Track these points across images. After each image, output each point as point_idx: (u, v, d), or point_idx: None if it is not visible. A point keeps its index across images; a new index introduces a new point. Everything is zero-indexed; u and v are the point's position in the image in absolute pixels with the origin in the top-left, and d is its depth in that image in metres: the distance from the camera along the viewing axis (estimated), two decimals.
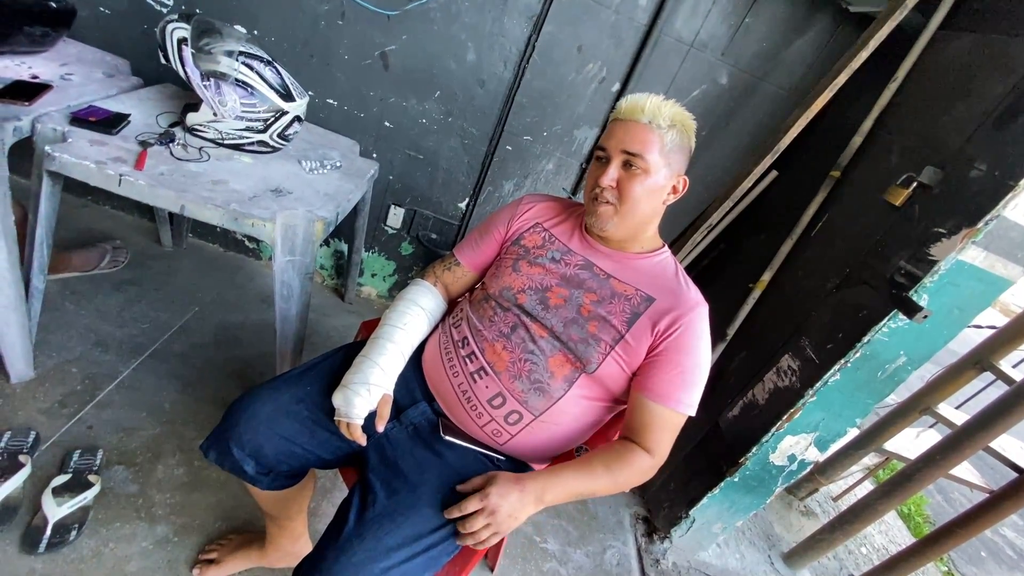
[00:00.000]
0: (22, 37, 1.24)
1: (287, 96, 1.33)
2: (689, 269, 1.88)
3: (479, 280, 1.14)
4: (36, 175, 1.14)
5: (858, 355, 1.22)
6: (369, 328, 1.20)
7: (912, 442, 2.08)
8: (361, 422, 0.89)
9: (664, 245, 1.03)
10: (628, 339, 0.90)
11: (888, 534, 2.41)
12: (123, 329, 1.56)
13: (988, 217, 1.03)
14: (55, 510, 1.09)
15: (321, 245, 2.03)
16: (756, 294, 1.53)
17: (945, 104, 1.20)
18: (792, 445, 1.40)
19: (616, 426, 1.08)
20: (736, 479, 1.47)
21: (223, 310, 1.79)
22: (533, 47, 1.56)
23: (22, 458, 1.15)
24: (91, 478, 1.18)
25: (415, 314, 1.03)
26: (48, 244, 1.24)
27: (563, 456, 1.06)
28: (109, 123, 1.20)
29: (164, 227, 1.88)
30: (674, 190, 0.96)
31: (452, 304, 1.14)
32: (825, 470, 2.07)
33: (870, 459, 2.26)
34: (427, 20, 1.55)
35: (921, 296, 1.13)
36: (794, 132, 1.39)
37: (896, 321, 1.17)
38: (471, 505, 0.80)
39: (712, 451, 1.57)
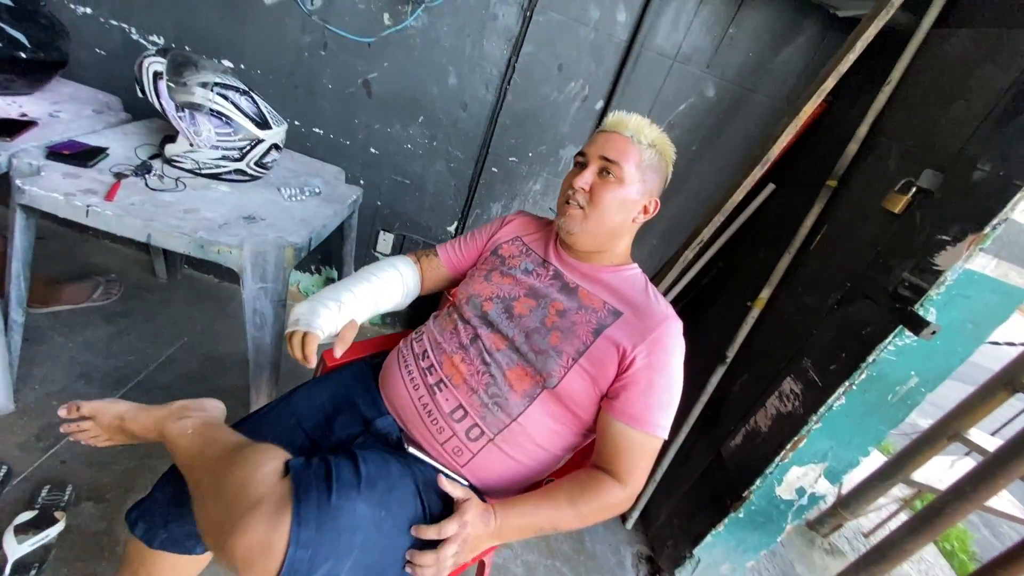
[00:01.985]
0: (8, 85, 1.28)
1: (263, 124, 1.34)
2: (688, 289, 1.80)
3: (450, 284, 1.14)
4: (12, 209, 1.15)
5: (864, 376, 1.12)
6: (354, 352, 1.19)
7: (946, 472, 1.90)
8: (321, 335, 0.84)
9: (634, 263, 1.01)
10: (592, 351, 0.85)
11: (929, 573, 2.20)
12: (109, 361, 1.56)
13: (995, 221, 0.94)
14: (15, 548, 1.05)
15: (312, 273, 2.03)
16: (755, 313, 1.44)
17: (943, 104, 1.13)
18: (800, 477, 1.29)
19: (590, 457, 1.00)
20: (741, 515, 1.35)
21: (212, 340, 1.78)
22: (513, 68, 1.55)
23: None
24: (57, 515, 1.14)
25: (392, 273, 1.05)
26: (25, 277, 1.25)
27: (529, 490, 0.99)
28: (85, 156, 1.22)
29: (158, 259, 1.90)
30: (645, 210, 0.96)
31: (417, 318, 1.12)
32: (849, 504, 1.91)
33: (901, 490, 2.08)
34: (407, 46, 1.55)
35: (928, 310, 1.03)
36: (783, 141, 1.32)
37: (903, 338, 1.07)
38: (450, 528, 0.73)
39: (715, 484, 1.46)
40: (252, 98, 1.32)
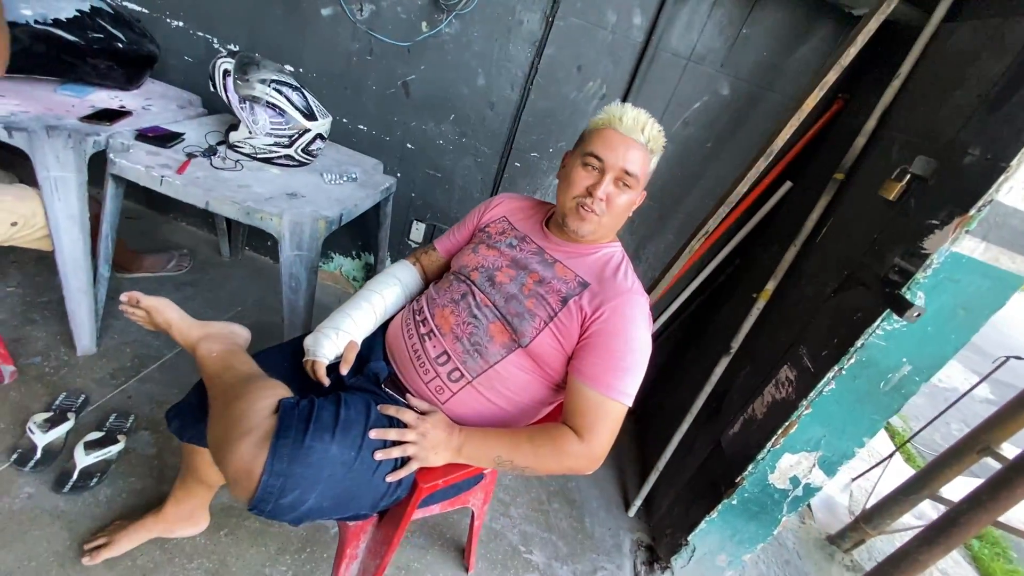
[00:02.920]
0: (104, 72, 1.55)
1: (310, 116, 1.53)
2: (704, 286, 1.82)
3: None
4: (105, 179, 1.40)
5: (852, 361, 1.12)
6: None
7: None
8: (327, 361, 0.99)
9: (617, 241, 1.08)
10: (561, 317, 0.94)
11: None
12: None
13: (980, 203, 0.94)
14: (83, 459, 1.26)
15: (353, 258, 2.22)
16: (760, 304, 1.46)
17: (943, 95, 1.13)
18: (793, 465, 1.28)
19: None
20: (734, 502, 1.36)
21: (263, 311, 2.00)
22: (536, 69, 1.67)
23: (69, 415, 1.36)
24: (119, 437, 1.35)
25: (392, 284, 1.16)
26: (112, 238, 1.50)
27: None
28: (165, 139, 1.45)
29: (223, 239, 2.16)
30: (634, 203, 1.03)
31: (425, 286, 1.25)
32: (872, 519, 1.82)
33: (937, 510, 1.94)
34: (441, 50, 1.72)
35: (915, 294, 1.03)
36: (786, 134, 1.35)
37: (891, 323, 1.07)
38: (409, 417, 0.88)
39: (713, 472, 1.47)
40: (302, 93, 1.52)
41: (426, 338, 1.01)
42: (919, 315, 1.01)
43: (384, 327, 1.15)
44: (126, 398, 1.50)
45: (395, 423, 0.88)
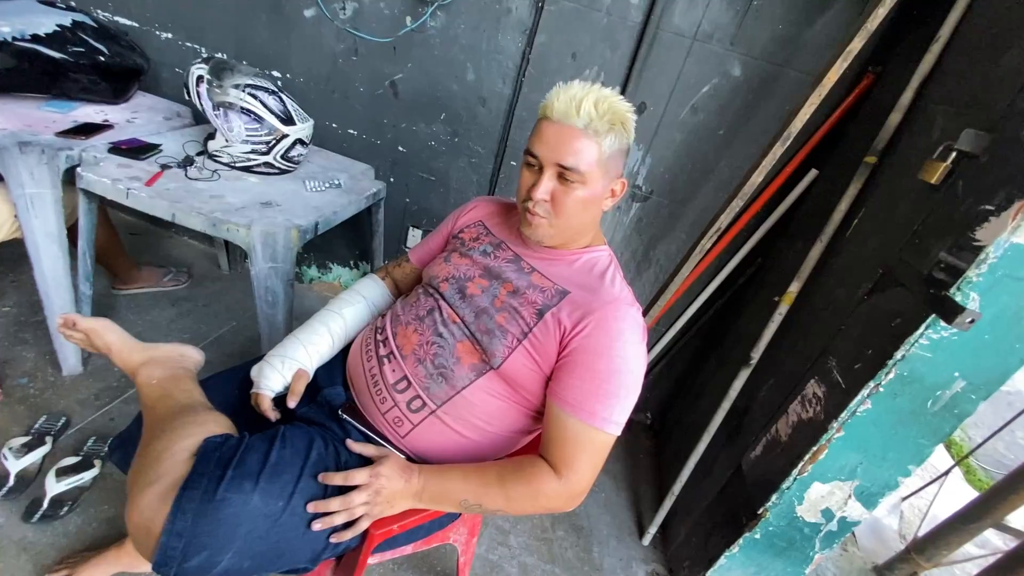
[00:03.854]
0: (87, 87, 1.52)
1: (288, 120, 1.45)
2: (722, 289, 1.66)
3: None
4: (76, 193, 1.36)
5: (891, 376, 0.94)
6: None
7: None
8: (271, 394, 0.89)
9: (604, 243, 0.96)
10: (536, 332, 0.81)
11: None
12: (167, 338, 1.75)
13: None
14: (53, 486, 1.21)
15: (351, 268, 2.14)
16: (783, 309, 1.29)
17: (995, 55, 0.95)
18: (824, 496, 1.11)
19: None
20: (757, 536, 1.19)
21: (257, 325, 1.94)
22: (528, 60, 1.55)
23: (47, 439, 1.31)
24: (95, 462, 1.30)
25: (355, 303, 1.06)
26: (90, 255, 1.46)
27: None
28: (139, 151, 1.40)
29: (221, 253, 2.12)
30: (612, 193, 0.88)
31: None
32: (926, 549, 1.59)
33: (1004, 541, 1.70)
34: (428, 46, 1.62)
35: (967, 295, 0.85)
36: (805, 114, 1.18)
37: (938, 330, 0.89)
38: (359, 477, 0.75)
39: (734, 500, 1.30)
40: (280, 98, 1.45)
41: (385, 361, 0.89)
42: (972, 321, 0.83)
43: (347, 350, 1.05)
44: (108, 420, 1.45)
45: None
